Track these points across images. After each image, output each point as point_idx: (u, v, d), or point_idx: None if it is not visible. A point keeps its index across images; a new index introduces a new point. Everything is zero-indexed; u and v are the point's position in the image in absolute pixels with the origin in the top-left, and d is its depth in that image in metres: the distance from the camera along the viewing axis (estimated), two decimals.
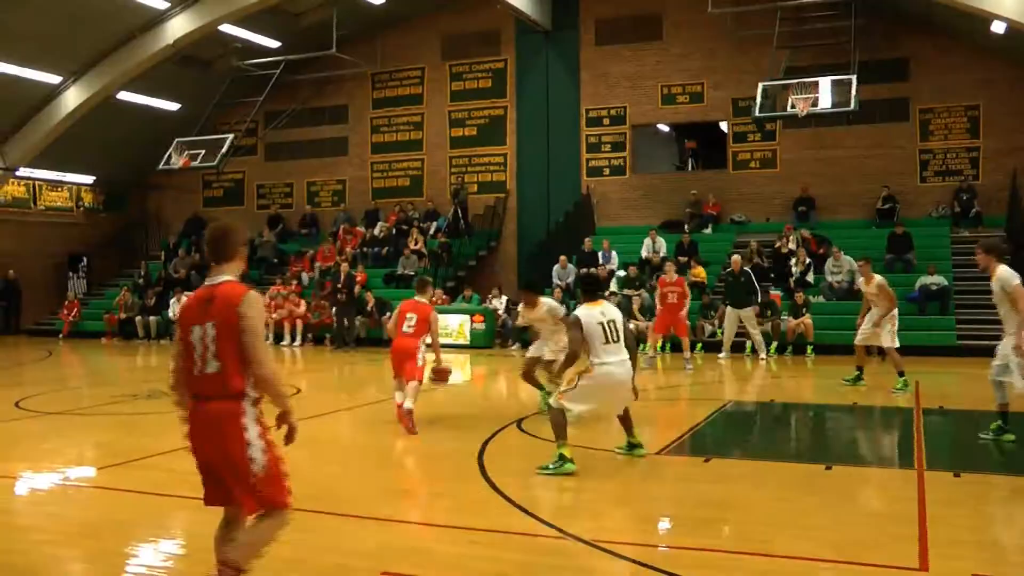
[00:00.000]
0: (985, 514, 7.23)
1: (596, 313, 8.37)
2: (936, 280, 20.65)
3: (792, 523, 6.92)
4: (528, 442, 9.97)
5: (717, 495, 7.81)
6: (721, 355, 18.87)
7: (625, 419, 8.89)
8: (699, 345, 20.36)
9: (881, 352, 15.09)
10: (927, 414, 11.76)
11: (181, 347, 4.78)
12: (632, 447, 8.93)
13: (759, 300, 19.09)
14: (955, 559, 5.91)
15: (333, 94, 29.92)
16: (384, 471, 8.99)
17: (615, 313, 8.51)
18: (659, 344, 19.27)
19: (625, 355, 8.40)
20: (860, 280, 14.79)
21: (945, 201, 23.86)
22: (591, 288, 8.83)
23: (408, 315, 10.83)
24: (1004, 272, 9.17)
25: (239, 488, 4.67)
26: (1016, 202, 22.05)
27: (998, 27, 20.93)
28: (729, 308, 18.80)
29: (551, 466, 8.17)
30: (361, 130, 29.82)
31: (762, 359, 18.57)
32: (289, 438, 4.84)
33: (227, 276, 4.81)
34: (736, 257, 19.31)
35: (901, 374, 13.75)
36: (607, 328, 8.31)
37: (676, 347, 19.03)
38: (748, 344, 19.11)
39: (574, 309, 9.04)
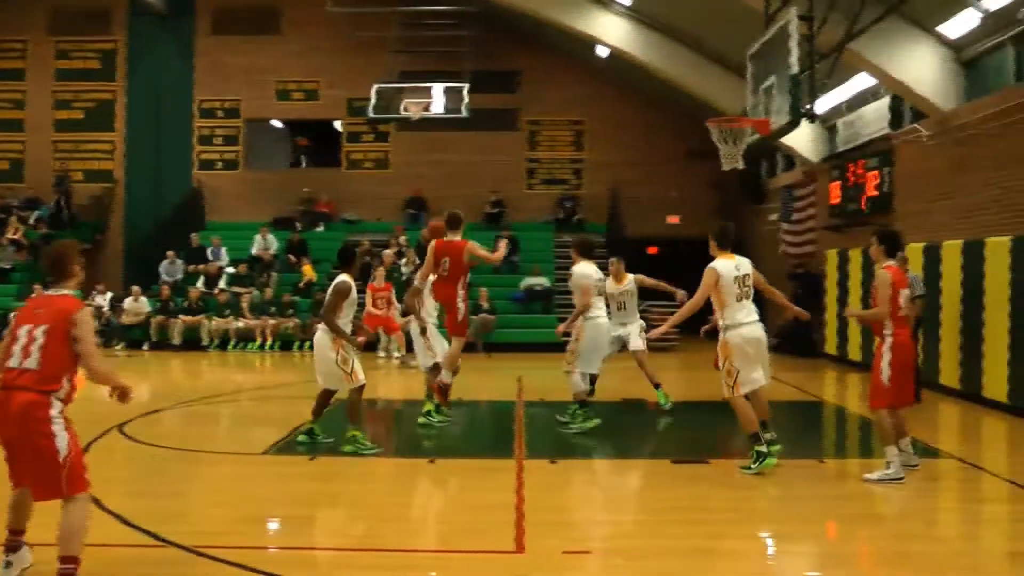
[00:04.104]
0: (575, 496, 7.76)
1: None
2: (540, 281, 21.97)
3: (399, 517, 7.06)
4: (132, 447, 9.39)
5: (325, 493, 7.81)
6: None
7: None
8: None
9: None
10: (529, 406, 12.45)
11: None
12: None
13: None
14: (549, 539, 6.31)
15: None
16: None
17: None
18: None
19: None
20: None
21: (550, 207, 25.53)
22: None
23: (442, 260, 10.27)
24: (578, 267, 10.46)
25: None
26: (616, 210, 24.29)
27: (602, 51, 22.71)
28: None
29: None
30: None
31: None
32: None
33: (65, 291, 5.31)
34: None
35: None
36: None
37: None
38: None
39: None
